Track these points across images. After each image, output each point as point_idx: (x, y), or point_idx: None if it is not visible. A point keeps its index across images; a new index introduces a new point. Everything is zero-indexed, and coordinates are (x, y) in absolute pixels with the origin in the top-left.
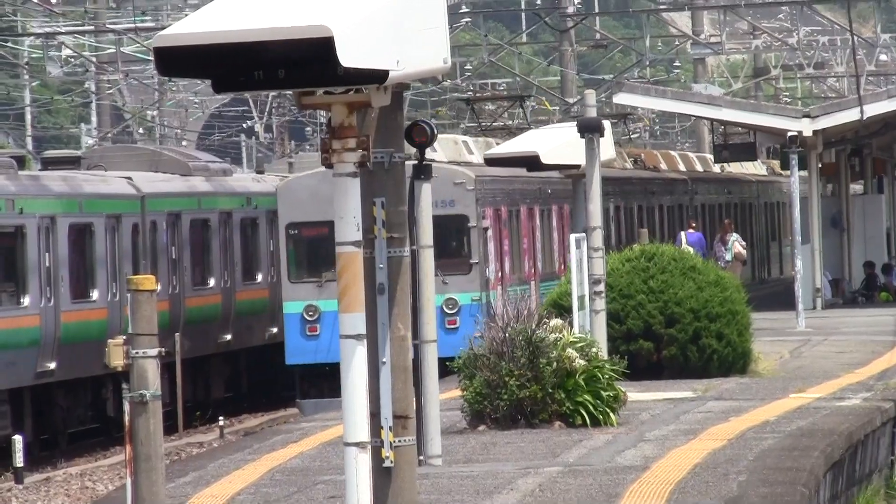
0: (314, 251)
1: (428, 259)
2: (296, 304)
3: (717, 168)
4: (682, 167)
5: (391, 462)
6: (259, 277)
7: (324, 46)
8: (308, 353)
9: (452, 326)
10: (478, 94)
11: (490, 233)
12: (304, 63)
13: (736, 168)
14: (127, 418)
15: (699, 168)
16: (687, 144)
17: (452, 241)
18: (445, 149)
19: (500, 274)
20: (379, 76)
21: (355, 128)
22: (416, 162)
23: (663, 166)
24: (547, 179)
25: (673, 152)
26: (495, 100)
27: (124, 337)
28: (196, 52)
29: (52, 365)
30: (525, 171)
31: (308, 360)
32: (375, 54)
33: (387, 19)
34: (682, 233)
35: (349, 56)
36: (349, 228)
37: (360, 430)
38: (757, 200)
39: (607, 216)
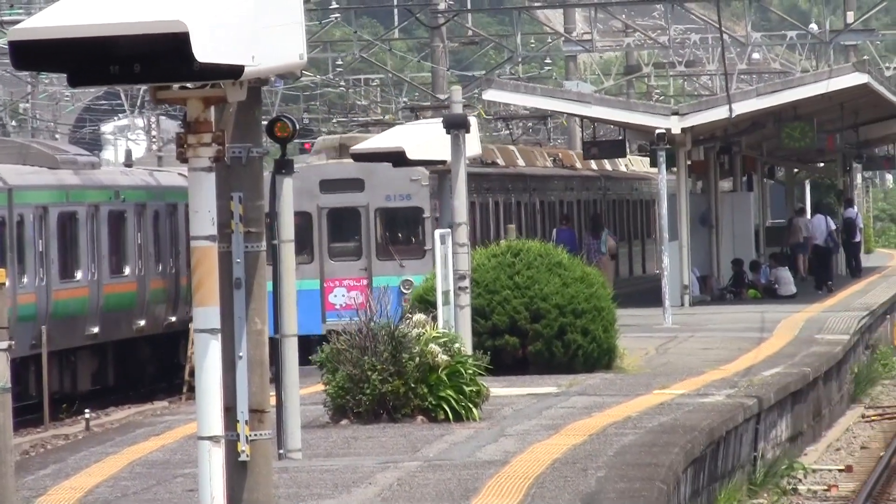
0: (297, 238)
1: (289, 254)
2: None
3: (595, 164)
4: (543, 162)
5: (247, 456)
6: (127, 271)
7: (179, 41)
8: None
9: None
10: (419, 103)
11: (479, 219)
12: (159, 58)
13: (628, 165)
14: None
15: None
16: (559, 142)
17: (409, 230)
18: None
19: None
20: (234, 71)
21: (211, 122)
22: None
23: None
24: (488, 174)
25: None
26: (435, 108)
27: None
28: (52, 46)
29: None
30: (480, 164)
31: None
32: (231, 50)
33: (243, 15)
34: (555, 229)
35: (204, 51)
36: (204, 223)
37: (213, 424)
38: (631, 197)
39: (490, 211)
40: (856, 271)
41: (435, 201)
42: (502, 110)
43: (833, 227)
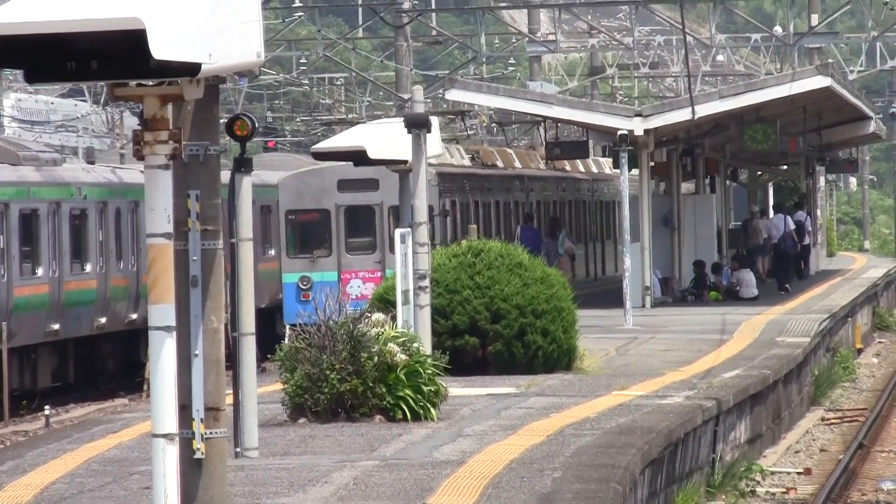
0: (307, 233)
1: (247, 252)
2: (292, 275)
3: (572, 166)
4: (518, 164)
5: (202, 454)
6: (88, 268)
7: (136, 39)
8: (303, 314)
9: None
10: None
11: (448, 218)
12: (116, 55)
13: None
14: None
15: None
16: (523, 142)
17: None
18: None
19: None
20: (191, 69)
21: (168, 120)
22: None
23: (517, 164)
24: (490, 175)
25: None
26: (444, 114)
27: None
28: (9, 42)
29: None
30: (482, 168)
31: (303, 320)
32: (188, 47)
33: (200, 13)
34: (519, 228)
35: (161, 49)
36: (160, 220)
37: (168, 421)
38: (592, 198)
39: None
40: (802, 273)
41: (444, 199)
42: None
43: (792, 227)
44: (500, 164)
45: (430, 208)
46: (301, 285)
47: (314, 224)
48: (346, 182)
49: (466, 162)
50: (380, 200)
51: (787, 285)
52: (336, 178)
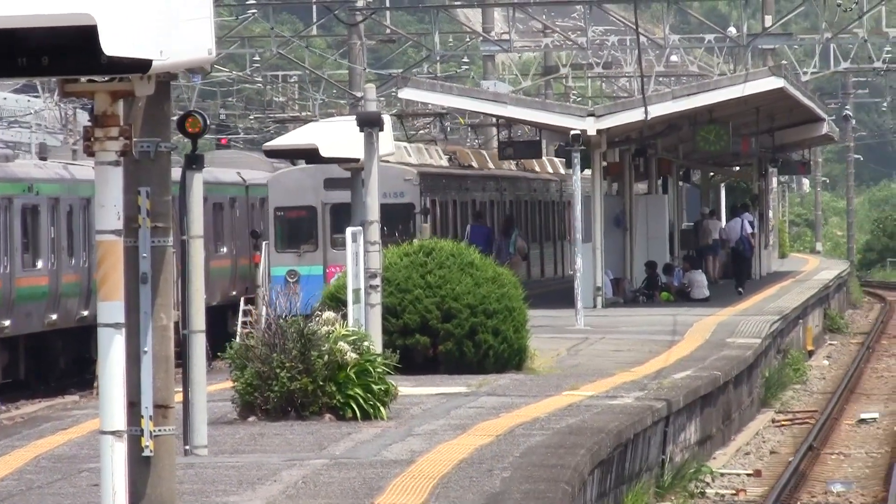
0: (295, 229)
1: (198, 249)
2: (280, 268)
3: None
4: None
5: (151, 451)
6: (40, 264)
7: (87, 34)
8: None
9: None
10: (406, 111)
11: (428, 216)
12: (67, 51)
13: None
14: None
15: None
16: (476, 141)
17: (402, 223)
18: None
19: None
20: (142, 65)
21: (118, 116)
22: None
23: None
24: (467, 175)
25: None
26: (424, 116)
27: None
28: None
29: None
30: (459, 168)
31: (290, 312)
32: (139, 44)
33: (151, 9)
34: (469, 226)
35: (112, 45)
36: (110, 217)
37: (116, 418)
38: (561, 198)
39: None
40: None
41: (424, 198)
42: (416, 108)
43: (749, 230)
44: (475, 164)
45: (412, 206)
46: (288, 278)
47: (302, 220)
48: (332, 181)
49: (444, 163)
50: None
51: (740, 288)
52: (323, 176)
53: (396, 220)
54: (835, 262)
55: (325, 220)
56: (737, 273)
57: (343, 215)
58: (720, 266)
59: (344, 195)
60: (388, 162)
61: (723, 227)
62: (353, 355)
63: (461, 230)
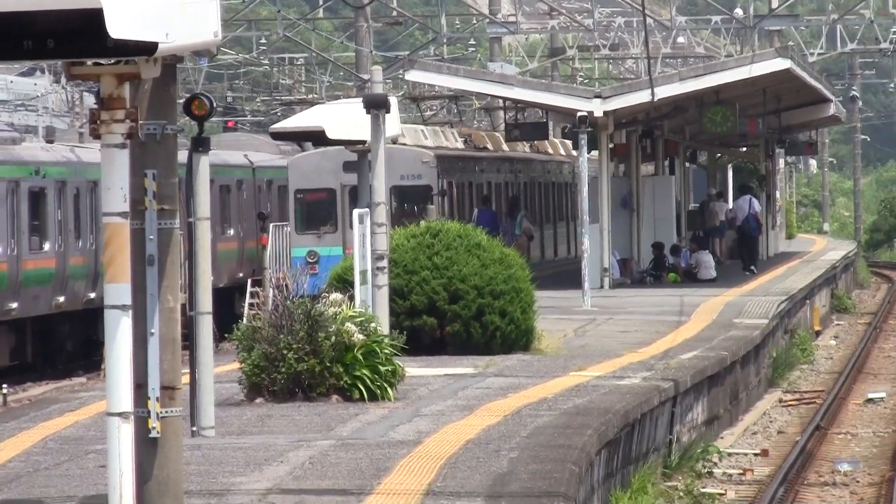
0: (315, 210)
1: (204, 231)
2: (301, 249)
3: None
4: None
5: (157, 433)
6: (47, 247)
7: (93, 18)
8: (310, 287)
9: None
10: (421, 94)
11: (445, 198)
12: (73, 34)
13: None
14: None
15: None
16: (483, 123)
17: (419, 204)
18: (409, 135)
19: None
20: (148, 48)
21: (124, 99)
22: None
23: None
24: (482, 157)
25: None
26: (436, 98)
27: None
28: None
29: None
30: (474, 150)
31: (310, 292)
32: (145, 26)
33: None
34: (476, 210)
35: (118, 28)
36: (116, 199)
37: (123, 400)
38: (573, 179)
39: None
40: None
41: (441, 180)
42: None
43: (757, 209)
44: (490, 146)
45: (429, 188)
46: (308, 259)
47: (321, 202)
48: (351, 163)
49: (460, 145)
50: None
51: (752, 266)
52: (342, 159)
53: (414, 202)
54: (842, 243)
55: (345, 201)
56: (744, 253)
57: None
58: (726, 248)
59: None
60: (405, 144)
61: (729, 207)
62: (361, 336)
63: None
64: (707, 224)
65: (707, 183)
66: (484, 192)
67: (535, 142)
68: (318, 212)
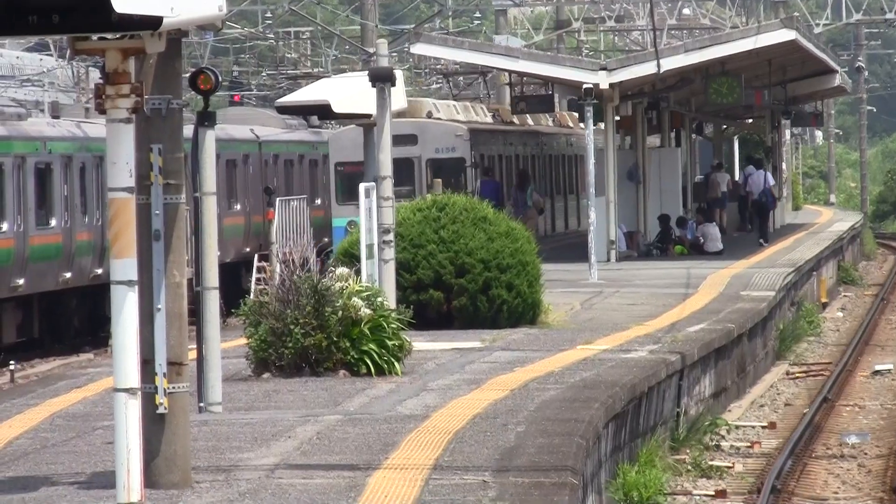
0: (354, 182)
1: (211, 206)
2: (341, 219)
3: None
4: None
5: (165, 408)
6: (53, 222)
7: None
8: None
9: None
10: (446, 69)
11: (478, 169)
12: (77, 8)
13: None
14: None
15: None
16: (491, 96)
17: (453, 175)
18: (443, 110)
19: None
20: (153, 22)
21: (129, 74)
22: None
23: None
24: (510, 131)
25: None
26: (464, 74)
27: None
28: None
29: None
30: (502, 124)
31: None
32: (149, 1)
33: None
34: (478, 181)
35: (123, 2)
36: (122, 174)
37: (130, 376)
38: (566, 152)
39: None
40: (743, 225)
41: (474, 152)
42: (441, 65)
43: (772, 182)
44: (516, 121)
45: (463, 160)
46: (349, 228)
47: (360, 175)
48: None
49: (489, 119)
50: (418, 154)
51: (762, 239)
52: None
53: (449, 174)
54: (848, 214)
55: None
56: (760, 224)
57: (399, 169)
58: (729, 219)
59: (400, 151)
60: (439, 119)
61: (729, 178)
62: (367, 311)
63: (506, 184)
64: (708, 195)
65: (714, 154)
66: (512, 164)
67: (558, 115)
68: (357, 183)
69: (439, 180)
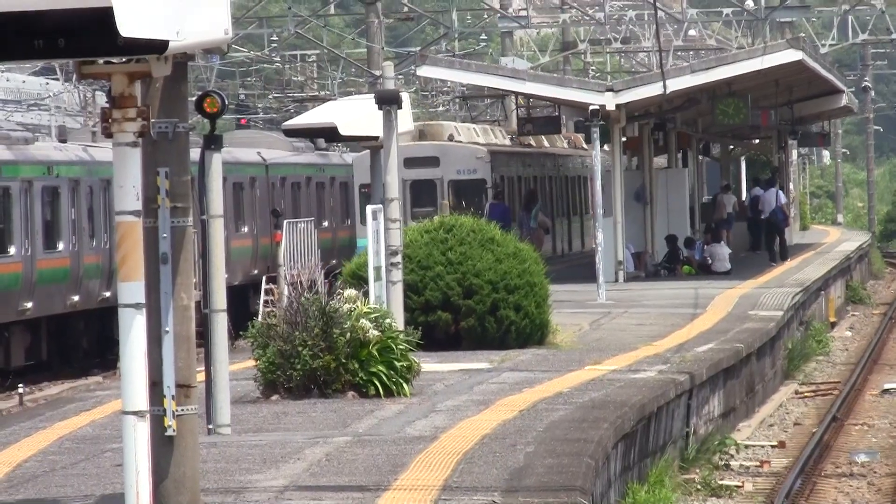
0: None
1: (218, 228)
2: (365, 240)
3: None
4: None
5: (173, 431)
6: (61, 246)
7: (103, 16)
8: None
9: None
10: (468, 93)
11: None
12: (83, 32)
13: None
14: None
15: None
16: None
17: (475, 196)
18: (464, 133)
19: None
20: (159, 46)
21: (136, 97)
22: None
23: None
24: (528, 153)
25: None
26: (486, 97)
27: None
28: None
29: None
30: (521, 147)
31: None
32: (155, 25)
33: None
34: (487, 204)
35: (128, 26)
36: (129, 198)
37: (138, 398)
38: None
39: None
40: (756, 245)
41: (495, 175)
42: (447, 87)
43: (783, 201)
44: (532, 143)
45: (484, 181)
46: None
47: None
48: (411, 160)
49: (507, 142)
50: (440, 175)
51: (772, 257)
52: (403, 156)
53: (469, 194)
54: (856, 234)
55: (406, 195)
56: (770, 243)
57: (422, 190)
58: (734, 240)
59: (422, 172)
60: (460, 142)
61: (735, 200)
62: (375, 332)
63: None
64: (714, 216)
65: (721, 175)
66: (529, 185)
67: (573, 137)
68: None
69: (447, 202)
